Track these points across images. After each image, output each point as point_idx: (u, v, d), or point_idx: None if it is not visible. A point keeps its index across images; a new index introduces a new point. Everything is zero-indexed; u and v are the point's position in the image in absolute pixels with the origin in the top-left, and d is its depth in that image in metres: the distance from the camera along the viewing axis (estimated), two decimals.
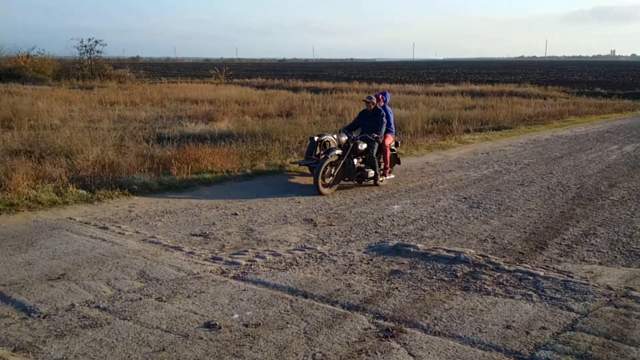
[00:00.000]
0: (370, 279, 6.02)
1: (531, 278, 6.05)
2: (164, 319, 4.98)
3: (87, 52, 44.03)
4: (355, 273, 6.19)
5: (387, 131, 11.12)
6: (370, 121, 10.96)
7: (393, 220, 8.39)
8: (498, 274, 6.16)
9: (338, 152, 10.25)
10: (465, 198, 9.81)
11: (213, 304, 5.31)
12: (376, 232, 7.80)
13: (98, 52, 44.44)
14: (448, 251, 6.86)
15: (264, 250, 6.93)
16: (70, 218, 8.01)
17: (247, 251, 6.90)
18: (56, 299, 5.33)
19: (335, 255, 6.79)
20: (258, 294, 5.57)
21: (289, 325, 4.88)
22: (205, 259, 6.59)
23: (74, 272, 6.00)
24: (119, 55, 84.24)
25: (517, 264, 6.52)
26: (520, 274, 6.15)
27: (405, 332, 4.81)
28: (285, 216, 8.54)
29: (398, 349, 4.51)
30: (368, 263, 6.53)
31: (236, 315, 5.06)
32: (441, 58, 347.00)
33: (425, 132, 18.21)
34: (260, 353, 4.41)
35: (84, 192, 9.07)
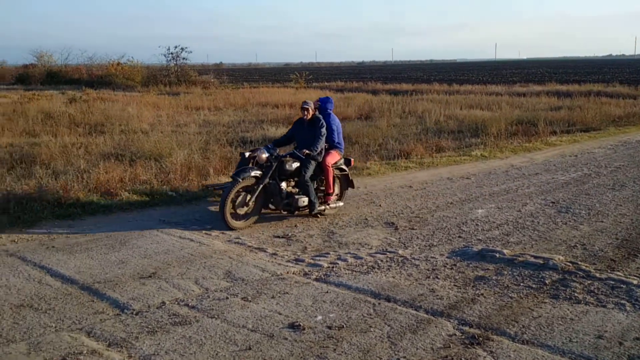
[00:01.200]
0: (455, 285, 5.93)
1: (624, 286, 5.78)
2: (249, 318, 5.08)
3: (174, 59, 45.56)
4: (438, 278, 6.11)
5: (332, 147, 9.01)
6: (306, 133, 8.78)
7: (477, 224, 8.23)
8: (589, 282, 5.92)
9: (255, 173, 8.12)
10: (553, 202, 9.48)
11: (297, 305, 5.37)
12: (460, 236, 7.67)
13: (184, 59, 45.93)
14: (535, 257, 6.66)
15: (346, 253, 6.95)
16: (160, 219, 8.30)
17: (329, 253, 6.94)
18: (148, 296, 5.54)
19: (418, 259, 6.72)
20: (341, 296, 5.59)
21: (372, 329, 4.87)
22: (288, 261, 6.68)
23: (164, 271, 6.22)
24: (203, 61, 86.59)
25: (609, 271, 6.25)
26: (613, 282, 5.89)
27: (492, 340, 4.70)
28: (366, 219, 8.53)
29: (484, 357, 4.41)
30: (452, 268, 6.42)
31: (319, 317, 5.10)
32: (524, 58, 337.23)
33: (510, 134, 17.72)
34: (344, 356, 4.42)
35: (173, 193, 9.38)
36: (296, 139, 9.01)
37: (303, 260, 6.67)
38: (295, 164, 8.48)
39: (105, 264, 6.42)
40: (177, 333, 4.79)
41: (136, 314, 5.15)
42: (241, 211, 8.12)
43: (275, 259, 6.74)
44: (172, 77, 43.75)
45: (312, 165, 8.54)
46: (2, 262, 6.40)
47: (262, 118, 21.31)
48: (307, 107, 8.81)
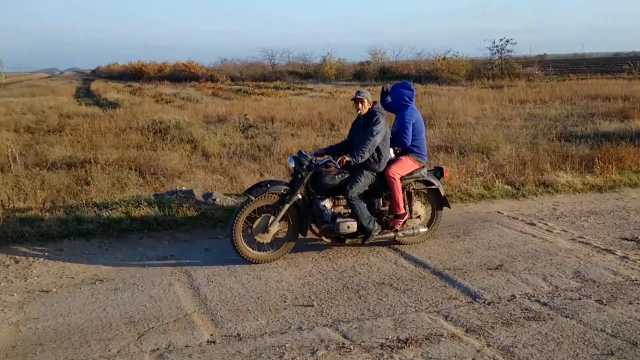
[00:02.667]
0: None
1: None
2: (607, 322, 4.77)
3: (498, 52, 44.92)
4: None
5: (407, 150, 6.77)
6: (361, 133, 6.53)
7: None
8: None
9: (277, 188, 6.30)
10: None
11: None
12: None
13: (508, 51, 44.96)
14: None
15: None
16: (498, 212, 8.26)
17: None
18: (497, 288, 5.57)
19: None
20: None
21: None
22: None
23: (510, 264, 6.18)
24: (526, 53, 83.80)
25: None
26: None
27: None
28: None
29: None
30: None
31: None
32: None
33: None
34: None
35: (509, 187, 9.26)
36: (354, 142, 6.72)
37: None
38: (341, 176, 6.40)
39: (452, 252, 6.62)
40: (532, 328, 4.72)
41: (488, 304, 5.21)
42: (262, 239, 6.29)
43: (626, 262, 6.21)
44: (496, 70, 43.10)
45: (364, 178, 6.38)
46: None
47: (592, 111, 19.78)
48: (360, 97, 6.49)
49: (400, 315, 5.02)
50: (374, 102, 6.61)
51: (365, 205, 6.39)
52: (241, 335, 4.70)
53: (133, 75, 64.29)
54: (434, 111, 20.20)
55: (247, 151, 13.80)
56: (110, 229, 7.24)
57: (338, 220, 6.34)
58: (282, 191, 6.29)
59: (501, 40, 44.58)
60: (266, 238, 6.29)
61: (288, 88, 37.38)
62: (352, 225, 6.34)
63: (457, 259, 6.40)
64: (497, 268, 6.07)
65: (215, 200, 7.98)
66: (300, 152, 6.51)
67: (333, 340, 4.58)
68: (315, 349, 4.44)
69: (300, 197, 6.34)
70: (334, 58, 54.43)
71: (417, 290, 5.55)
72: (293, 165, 6.40)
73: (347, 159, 6.25)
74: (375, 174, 6.46)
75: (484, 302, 5.24)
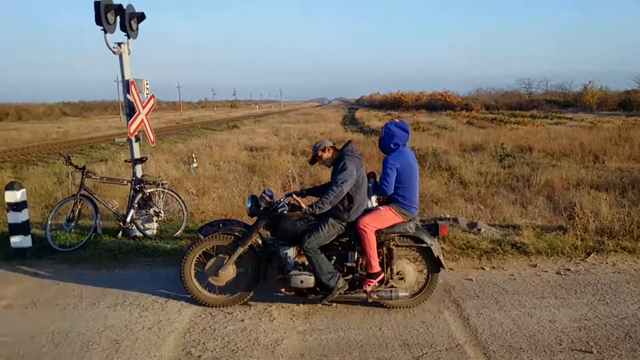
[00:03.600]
0: None
1: None
2: None
3: None
4: None
5: (391, 200, 5.51)
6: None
7: None
8: None
9: (231, 229, 5.59)
10: None
11: None
12: None
13: None
14: None
15: None
16: None
17: None
18: None
19: None
20: None
21: None
22: None
23: None
24: None
25: None
26: None
27: None
28: None
29: None
30: None
31: None
32: None
33: None
34: None
35: None
36: None
37: None
38: (304, 223, 5.47)
39: None
40: None
41: None
42: (215, 281, 5.65)
43: None
44: None
45: (328, 227, 5.39)
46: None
47: None
48: (317, 156, 5.68)
49: None
50: (348, 143, 5.64)
51: (325, 258, 5.43)
52: None
53: (392, 104, 66.78)
54: None
55: (505, 181, 13.28)
56: None
57: (292, 272, 5.49)
58: (237, 233, 5.64)
59: None
60: (219, 281, 5.69)
61: (545, 117, 35.49)
62: (306, 280, 5.44)
63: None
64: None
65: (480, 230, 7.74)
66: (264, 192, 5.67)
67: None
68: None
69: (260, 241, 5.73)
70: (596, 86, 50.45)
71: None
72: (249, 206, 5.67)
73: (304, 206, 5.49)
74: (344, 223, 5.46)
75: None
